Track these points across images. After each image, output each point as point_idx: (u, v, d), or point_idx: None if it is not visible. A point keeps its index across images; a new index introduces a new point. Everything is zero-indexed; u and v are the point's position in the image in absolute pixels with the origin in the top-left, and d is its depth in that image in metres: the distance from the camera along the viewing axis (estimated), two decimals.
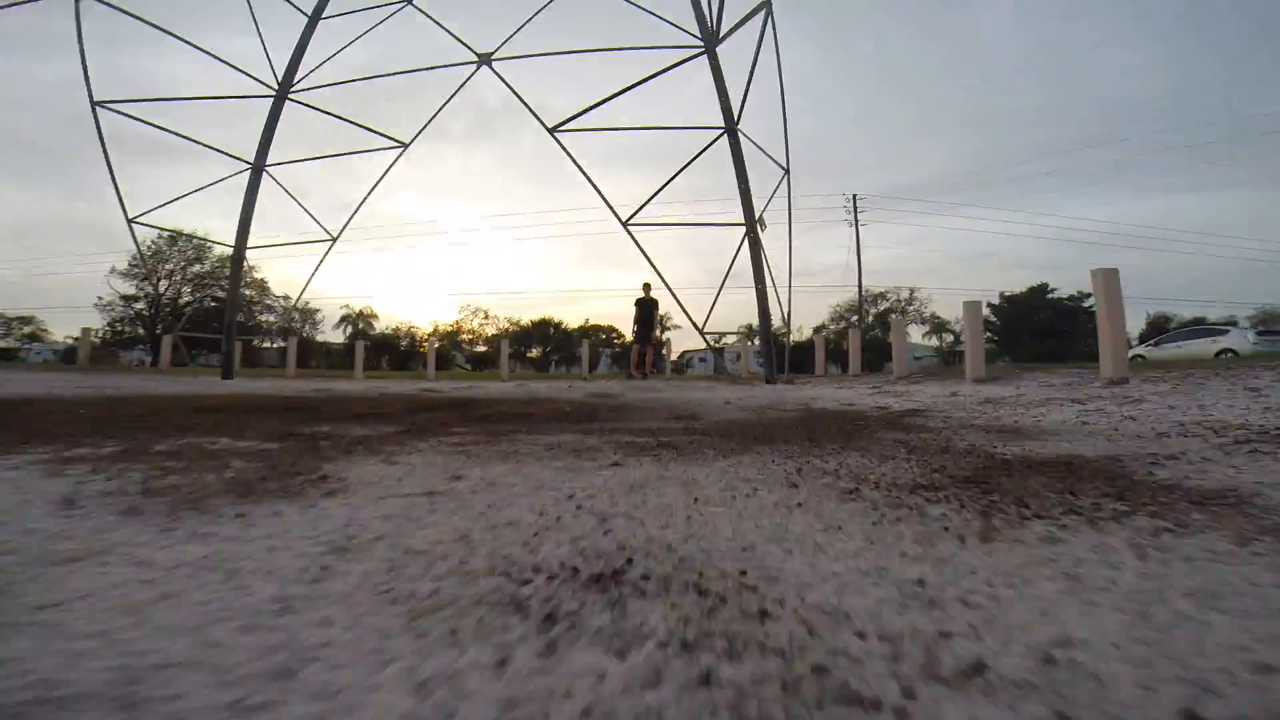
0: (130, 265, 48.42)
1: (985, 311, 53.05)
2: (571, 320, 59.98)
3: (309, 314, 55.60)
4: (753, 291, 12.84)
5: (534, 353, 58.35)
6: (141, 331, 51.20)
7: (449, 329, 59.51)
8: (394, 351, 56.48)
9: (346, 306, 57.61)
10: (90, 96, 13.18)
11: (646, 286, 14.79)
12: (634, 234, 13.64)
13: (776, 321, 13.63)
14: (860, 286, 43.08)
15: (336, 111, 16.14)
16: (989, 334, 53.01)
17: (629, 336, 15.38)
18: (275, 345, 54.64)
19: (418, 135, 16.65)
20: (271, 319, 54.73)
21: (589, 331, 60.20)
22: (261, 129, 15.80)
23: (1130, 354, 24.59)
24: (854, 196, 42.21)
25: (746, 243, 13.04)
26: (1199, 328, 23.72)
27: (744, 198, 13.04)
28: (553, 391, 8.73)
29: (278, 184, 15.99)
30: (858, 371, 15.23)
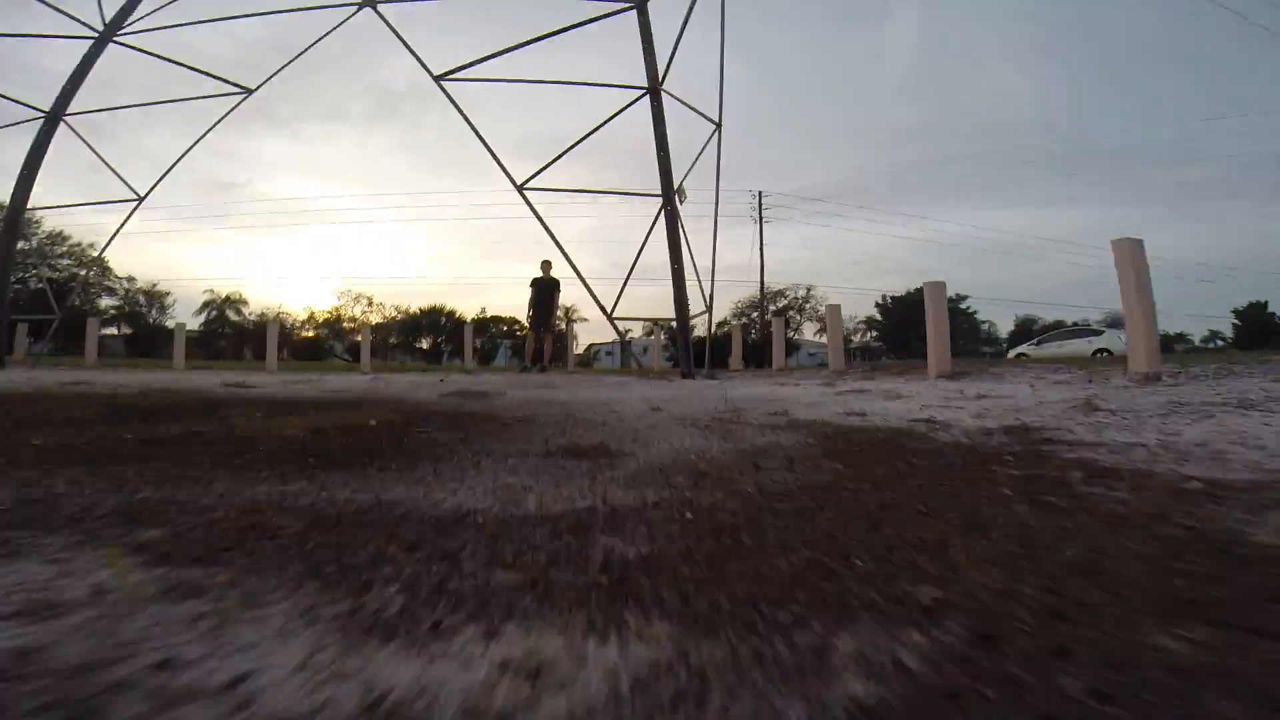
0: None
1: (871, 312, 54.96)
2: (470, 311, 56.05)
3: (157, 297, 48.12)
4: (667, 285, 10.94)
5: (425, 344, 53.84)
6: None
7: (327, 316, 53.75)
8: (259, 340, 50.10)
9: (210, 291, 50.31)
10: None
11: (546, 265, 12.46)
12: (532, 201, 11.30)
13: (697, 307, 11.79)
14: (762, 281, 42.78)
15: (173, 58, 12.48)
16: (876, 333, 54.99)
17: (525, 323, 12.97)
18: (120, 332, 46.90)
19: (267, 81, 13.28)
20: (113, 302, 46.87)
21: (488, 322, 56.59)
22: (69, 74, 11.95)
23: (1014, 352, 25.65)
24: (759, 193, 41.83)
25: (663, 217, 11.09)
26: (1079, 328, 24.64)
27: (662, 166, 11.07)
28: (406, 389, 6.32)
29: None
30: (782, 365, 13.70)
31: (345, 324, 53.61)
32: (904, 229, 73.89)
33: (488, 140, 11.38)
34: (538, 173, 11.37)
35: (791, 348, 46.43)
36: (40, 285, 42.86)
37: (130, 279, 46.22)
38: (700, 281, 12.68)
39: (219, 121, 13.35)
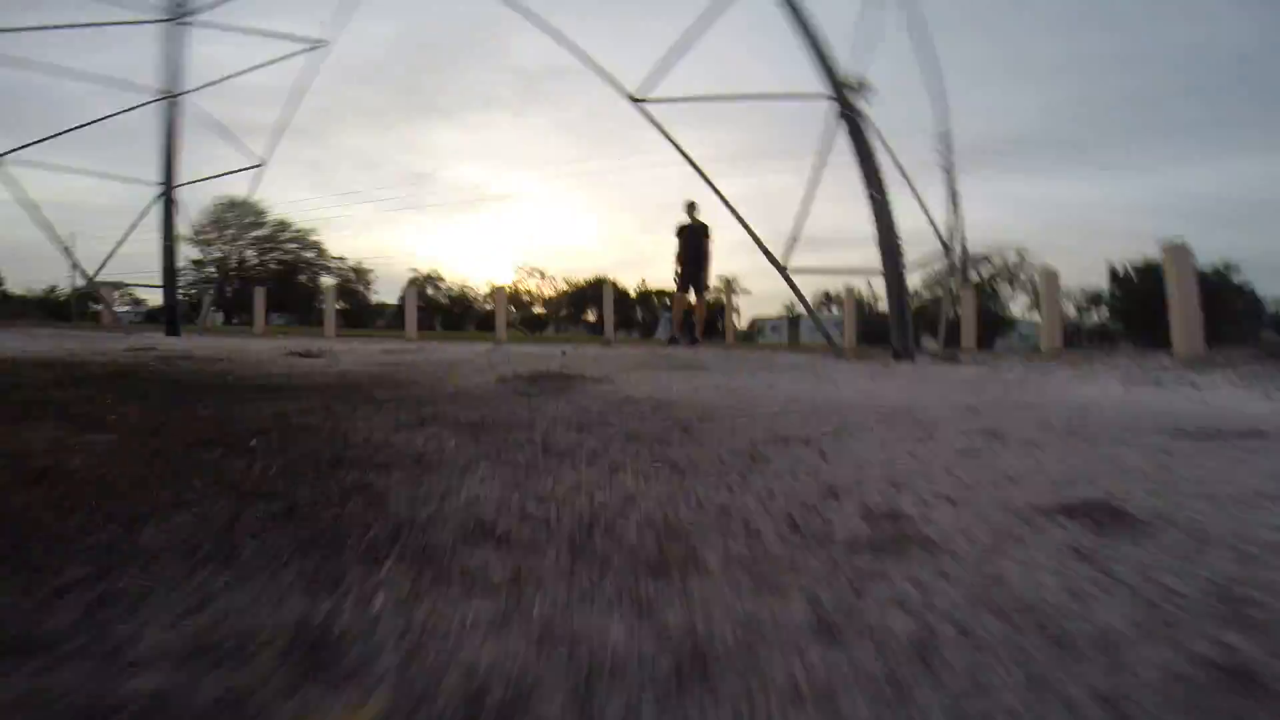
0: (195, 232, 47.23)
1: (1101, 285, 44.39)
2: (632, 283, 55.41)
3: (362, 274, 53.38)
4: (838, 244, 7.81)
5: (591, 316, 54.22)
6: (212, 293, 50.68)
7: (508, 290, 56.16)
8: (450, 313, 53.74)
9: (414, 270, 55.14)
10: None
11: (691, 206, 9.84)
12: (651, 114, 8.75)
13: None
14: (962, 244, 36.00)
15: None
16: (1110, 311, 44.42)
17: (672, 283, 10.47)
18: (337, 305, 53.09)
19: (339, 30, 12.20)
20: (329, 280, 52.95)
21: (650, 295, 55.50)
22: (164, 58, 11.75)
23: None
24: (946, 134, 34.84)
25: (841, 126, 7.89)
26: None
27: (817, 51, 7.84)
28: (467, 368, 4.18)
29: (210, 116, 11.89)
30: (1056, 346, 9.44)
31: (523, 296, 55.58)
32: (1132, 183, 58.92)
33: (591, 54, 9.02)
34: (653, 80, 8.75)
35: (1000, 325, 38.21)
36: (277, 266, 50.01)
37: (341, 259, 51.61)
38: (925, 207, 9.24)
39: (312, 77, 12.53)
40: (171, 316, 12.60)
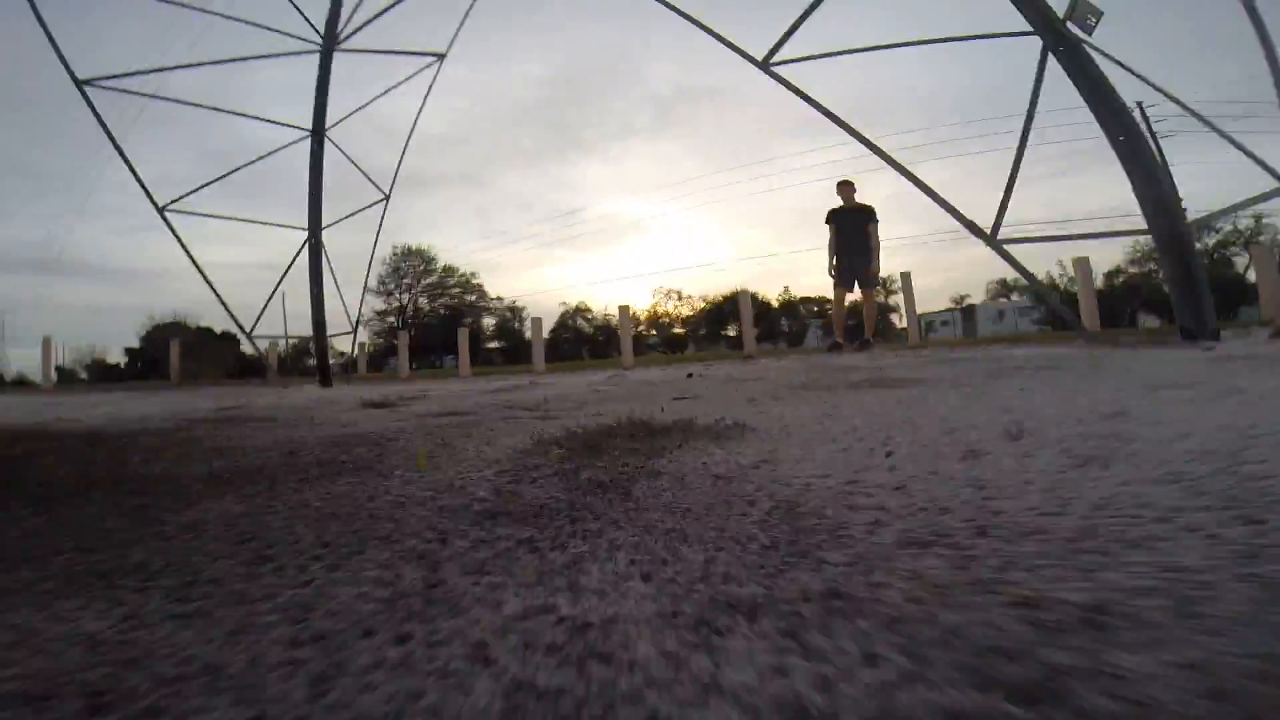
0: (380, 282, 52.58)
1: None
2: (774, 294, 52.65)
3: (516, 312, 56.20)
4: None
5: (732, 330, 52.16)
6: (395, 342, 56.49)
7: (646, 314, 56.09)
8: (597, 342, 54.66)
9: (564, 304, 57.42)
10: (72, 76, 10.23)
11: (846, 187, 7.98)
12: (783, 76, 6.92)
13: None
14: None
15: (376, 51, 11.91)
16: None
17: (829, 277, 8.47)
18: (499, 345, 56.44)
19: (453, 40, 11.76)
20: (490, 320, 56.34)
21: (794, 304, 52.31)
22: (314, 91, 12.08)
23: None
24: (1139, 105, 28.36)
25: (1052, 63, 5.54)
26: None
27: None
28: (574, 407, 2.72)
29: (342, 152, 12.17)
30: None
31: (661, 319, 55.21)
32: None
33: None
34: (782, 42, 6.89)
35: (1240, 295, 30.19)
36: (443, 311, 54.35)
37: (499, 299, 54.81)
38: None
39: (429, 89, 12.20)
40: (323, 366, 12.93)
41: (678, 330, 54.62)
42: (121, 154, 10.16)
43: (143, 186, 10.52)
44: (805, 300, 52.48)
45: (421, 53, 12.38)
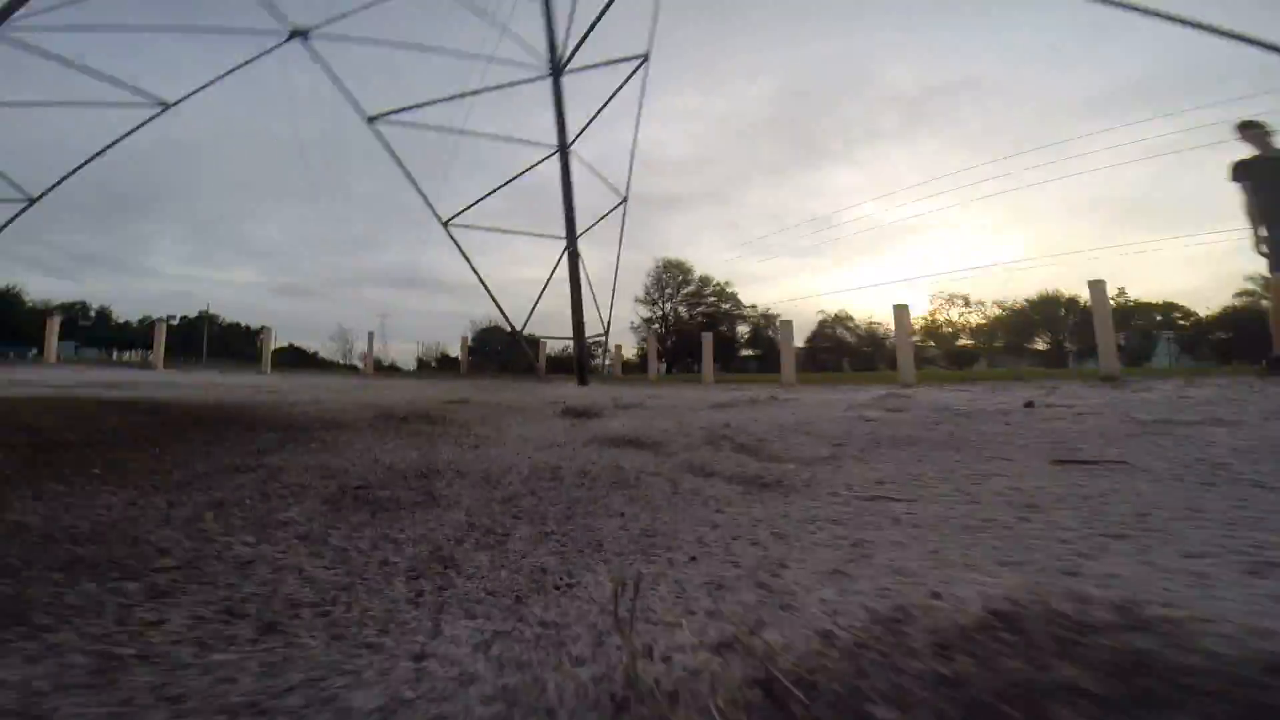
0: (645, 292, 56.10)
1: None
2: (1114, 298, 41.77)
3: (772, 319, 54.59)
4: None
5: (1040, 343, 42.67)
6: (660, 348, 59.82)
7: (922, 322, 49.46)
8: (859, 353, 50.04)
9: (821, 312, 54.50)
10: (363, 114, 11.78)
11: (1252, 129, 5.01)
12: None
13: None
14: None
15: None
16: None
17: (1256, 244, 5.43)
18: (753, 353, 55.66)
19: (651, 39, 10.63)
20: (744, 328, 55.83)
21: (1130, 310, 40.91)
22: (554, 113, 12.37)
23: None
24: None
25: None
26: None
27: None
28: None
29: (582, 162, 12.28)
30: None
31: (942, 328, 48.28)
32: None
33: None
34: None
35: None
36: (699, 319, 55.48)
37: (753, 306, 53.93)
38: None
39: (624, 83, 11.08)
40: (580, 366, 13.23)
41: (965, 341, 46.97)
42: (410, 177, 11.61)
43: (428, 204, 11.86)
44: (1139, 305, 40.57)
45: (628, 57, 12.01)
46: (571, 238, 12.58)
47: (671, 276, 54.21)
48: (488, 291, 12.42)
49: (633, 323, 54.86)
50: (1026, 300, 42.49)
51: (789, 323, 12.22)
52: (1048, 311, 41.58)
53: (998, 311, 44.65)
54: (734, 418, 3.78)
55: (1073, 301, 40.05)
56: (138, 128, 11.88)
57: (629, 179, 13.81)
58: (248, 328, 67.21)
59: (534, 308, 13.22)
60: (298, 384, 8.20)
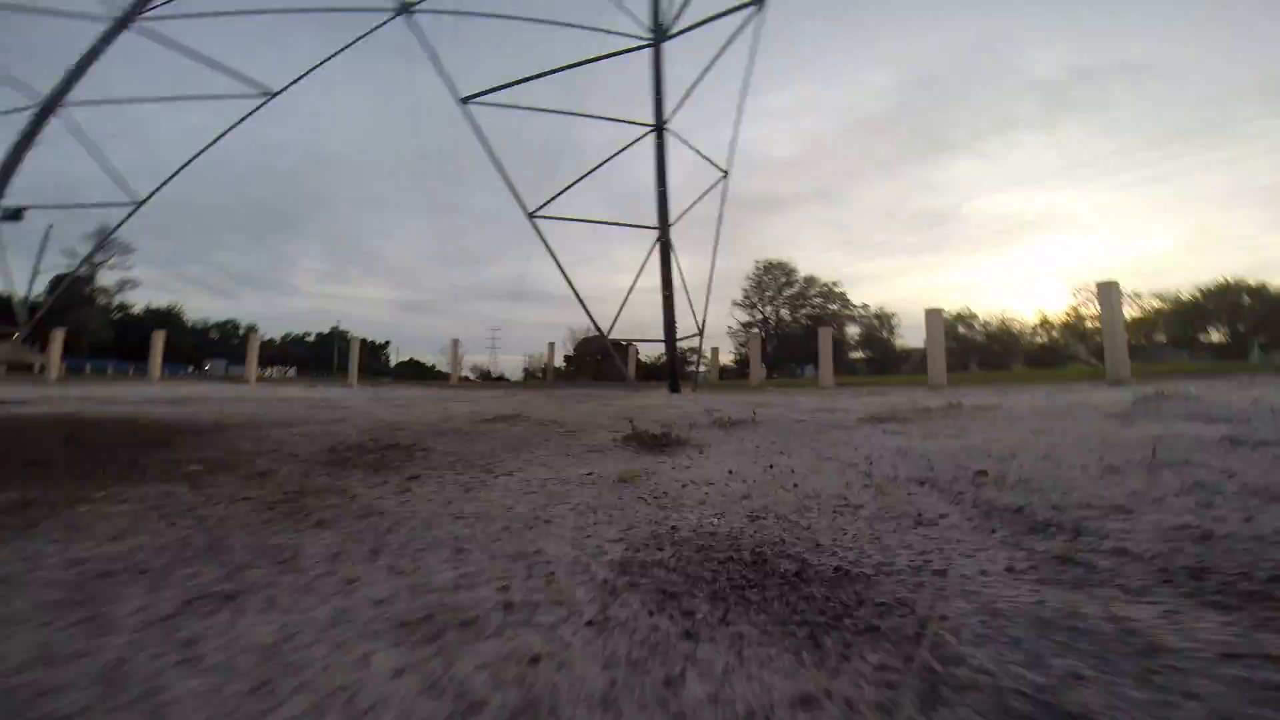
0: (744, 296, 53.76)
1: None
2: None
3: (884, 319, 50.17)
4: None
5: (1217, 335, 35.76)
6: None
7: (1065, 318, 43.40)
8: (989, 351, 44.72)
9: (939, 310, 49.40)
10: (455, 95, 10.78)
11: None
12: None
13: None
14: None
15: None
16: None
17: None
18: (864, 355, 51.51)
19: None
20: (855, 330, 51.88)
21: None
22: (651, 86, 10.93)
23: None
24: None
25: None
26: None
27: None
28: None
29: (679, 138, 10.81)
30: None
31: (1087, 322, 42.17)
32: None
33: None
34: None
35: None
36: (805, 321, 52.06)
37: (864, 306, 49.97)
38: None
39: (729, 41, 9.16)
40: (672, 371, 11.74)
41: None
42: (497, 164, 10.62)
43: (514, 194, 10.83)
44: None
45: (739, 6, 10.20)
46: (664, 225, 11.15)
47: (773, 278, 51.43)
48: (571, 286, 11.26)
49: (730, 327, 52.67)
50: (1200, 290, 35.86)
51: (938, 311, 9.98)
52: (1228, 303, 34.78)
53: (1157, 304, 38.06)
54: (919, 447, 2.10)
55: (1261, 290, 33.20)
56: (245, 118, 11.92)
57: (731, 151, 12.17)
58: (374, 342, 71.99)
59: (621, 308, 11.90)
60: (357, 397, 7.32)
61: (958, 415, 3.09)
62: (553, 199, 11.14)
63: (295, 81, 11.88)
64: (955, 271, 67.98)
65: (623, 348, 17.58)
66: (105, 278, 47.12)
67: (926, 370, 10.20)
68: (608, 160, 11.85)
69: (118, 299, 48.79)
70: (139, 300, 52.49)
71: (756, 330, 54.30)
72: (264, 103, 11.93)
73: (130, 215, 13.00)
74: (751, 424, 3.24)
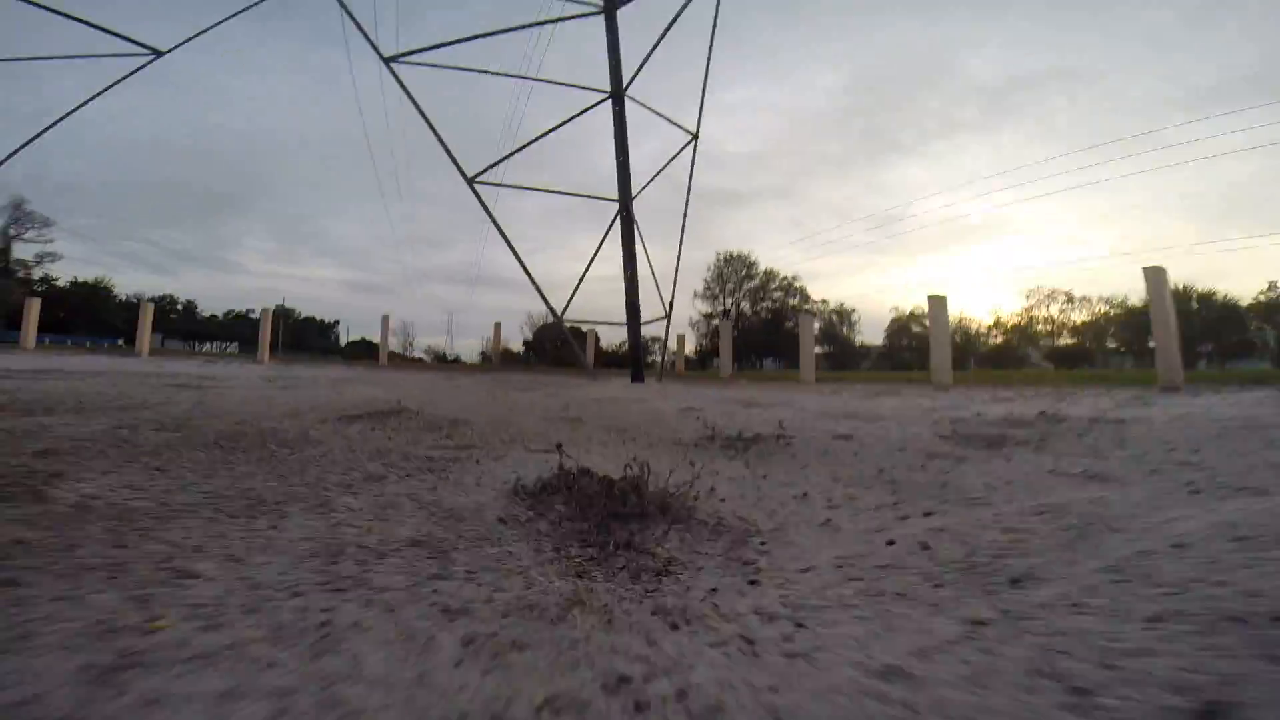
0: (705, 286, 52.77)
1: None
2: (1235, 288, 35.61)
3: (844, 315, 49.95)
4: None
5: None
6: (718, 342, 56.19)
7: (1016, 320, 43.92)
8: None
9: (895, 308, 49.33)
10: (380, 54, 9.10)
11: None
12: None
13: None
14: None
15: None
16: None
17: None
18: (824, 349, 51.27)
19: None
20: (815, 325, 51.55)
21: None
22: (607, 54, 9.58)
23: None
24: None
25: None
26: None
27: None
28: None
29: (640, 104, 9.51)
30: None
31: (1039, 326, 42.85)
32: None
33: None
34: None
35: None
36: (765, 315, 51.51)
37: (823, 302, 49.60)
38: None
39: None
40: (635, 358, 10.38)
41: (1067, 340, 41.27)
42: (431, 126, 9.04)
43: (452, 158, 9.27)
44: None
45: None
46: (625, 197, 9.75)
47: (734, 270, 50.46)
48: (517, 257, 9.73)
49: (691, 318, 51.65)
50: (1145, 298, 36.54)
51: (942, 299, 8.77)
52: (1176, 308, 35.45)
53: (1104, 309, 38.72)
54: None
55: (1209, 298, 33.95)
56: (127, 76, 9.96)
57: (700, 114, 10.81)
58: (322, 321, 68.18)
59: (577, 287, 10.43)
60: (240, 375, 5.75)
61: (1108, 433, 1.86)
62: (495, 164, 9.59)
63: (188, 40, 9.87)
64: (910, 270, 68.48)
65: (582, 334, 16.10)
66: (22, 250, 42.97)
67: (930, 365, 9.07)
68: (561, 125, 10.36)
69: (37, 271, 44.67)
70: (64, 274, 48.28)
71: (728, 318, 53.26)
72: (149, 62, 9.99)
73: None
74: (778, 444, 1.93)
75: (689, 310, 51.98)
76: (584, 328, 15.18)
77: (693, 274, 52.36)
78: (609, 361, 22.74)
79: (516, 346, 54.10)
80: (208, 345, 55.51)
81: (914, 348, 45.11)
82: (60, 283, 48.09)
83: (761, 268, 50.16)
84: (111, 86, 9.95)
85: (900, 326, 49.13)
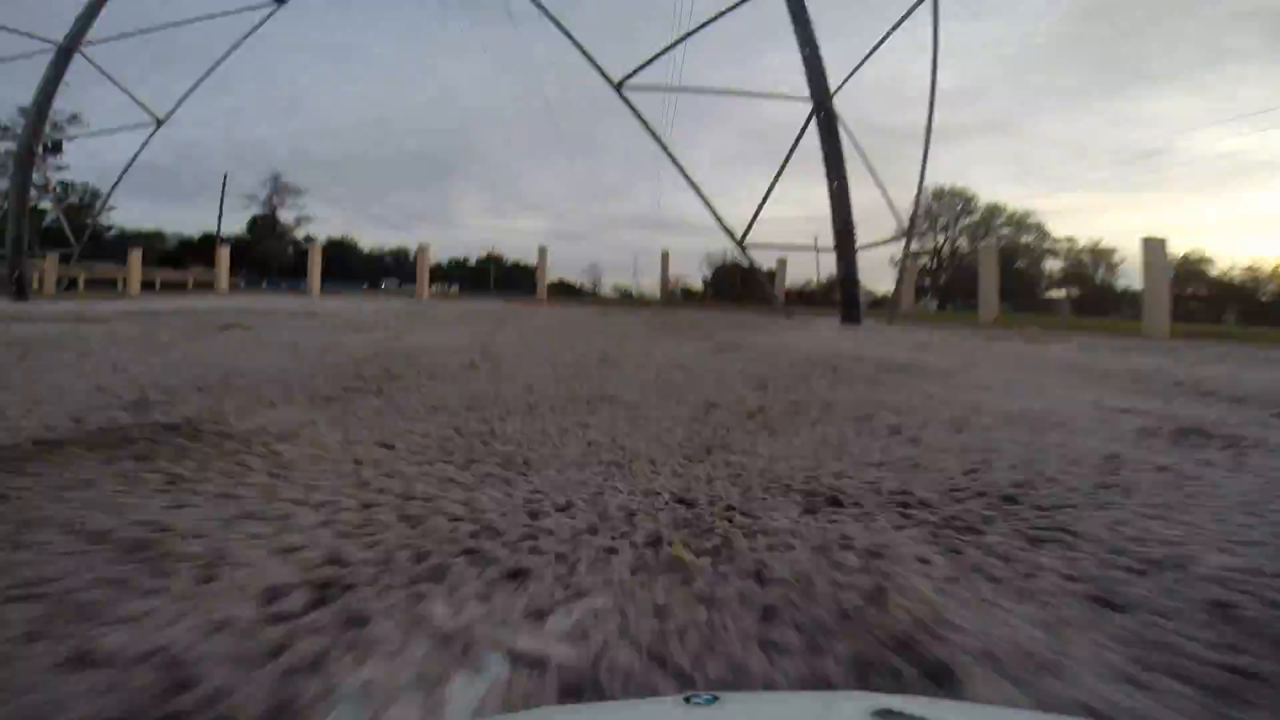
0: (910, 223, 45.97)
1: None
2: None
3: (1101, 256, 39.91)
4: None
5: None
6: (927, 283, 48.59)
7: None
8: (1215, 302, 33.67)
9: (1165, 240, 38.38)
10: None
11: None
12: None
13: None
14: None
15: None
16: None
17: None
18: (1068, 293, 42.00)
19: None
20: (1056, 266, 42.18)
21: None
22: None
23: None
24: None
25: None
26: None
27: None
28: None
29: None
30: None
31: None
32: None
33: None
34: None
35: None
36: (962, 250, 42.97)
37: (1069, 239, 40.19)
38: None
39: None
40: (848, 296, 8.23)
41: None
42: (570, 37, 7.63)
43: (596, 66, 7.89)
44: None
45: None
46: (822, 94, 7.50)
47: (947, 205, 42.80)
48: (685, 175, 8.12)
49: (893, 256, 45.33)
50: None
51: (1160, 242, 6.19)
52: None
53: None
54: None
55: None
56: (260, 25, 11.31)
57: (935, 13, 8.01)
58: (526, 266, 74.01)
59: (759, 210, 8.48)
60: (385, 311, 5.19)
61: None
62: (645, 65, 7.97)
63: None
64: (1174, 211, 51.87)
65: (764, 271, 14.09)
66: (284, 216, 51.72)
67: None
68: (718, 17, 8.30)
69: (297, 233, 53.95)
70: (319, 234, 58.14)
71: (990, 239, 45.26)
72: (275, 10, 11.25)
73: (154, 134, 12.38)
74: None
75: (887, 250, 46.01)
76: (773, 260, 13.25)
77: (884, 216, 45.76)
78: (793, 301, 20.29)
79: (697, 285, 52.81)
80: (434, 286, 63.53)
81: (1198, 296, 34.61)
82: (319, 241, 57.79)
83: (981, 203, 41.80)
84: (256, 29, 10.55)
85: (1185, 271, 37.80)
